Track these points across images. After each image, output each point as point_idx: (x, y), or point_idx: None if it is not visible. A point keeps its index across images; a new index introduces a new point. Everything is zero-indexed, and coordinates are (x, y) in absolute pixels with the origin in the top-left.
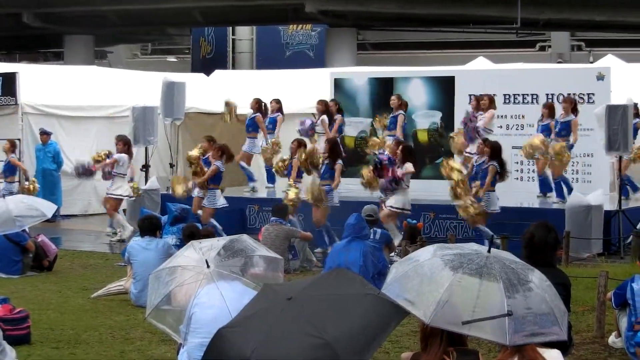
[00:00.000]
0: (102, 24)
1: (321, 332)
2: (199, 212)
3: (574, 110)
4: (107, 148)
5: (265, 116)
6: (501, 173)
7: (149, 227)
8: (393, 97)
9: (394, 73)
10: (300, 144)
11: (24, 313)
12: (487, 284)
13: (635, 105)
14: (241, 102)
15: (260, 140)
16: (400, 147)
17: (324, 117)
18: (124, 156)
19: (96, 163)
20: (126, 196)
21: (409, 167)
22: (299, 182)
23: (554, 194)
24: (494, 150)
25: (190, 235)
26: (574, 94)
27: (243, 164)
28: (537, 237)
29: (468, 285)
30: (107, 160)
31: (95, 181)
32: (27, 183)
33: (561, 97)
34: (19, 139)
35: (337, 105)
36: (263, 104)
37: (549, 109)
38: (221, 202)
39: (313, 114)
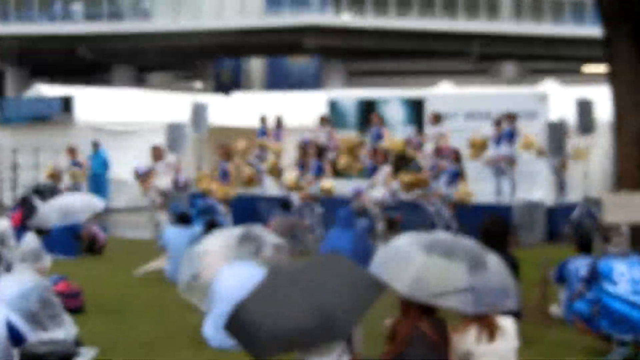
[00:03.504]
0: (143, 56)
1: (319, 302)
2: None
3: (513, 123)
4: (145, 157)
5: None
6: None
7: (182, 219)
8: (375, 116)
9: (376, 96)
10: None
11: (79, 288)
12: (454, 264)
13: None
14: (255, 118)
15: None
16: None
17: (328, 129)
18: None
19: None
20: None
21: (386, 168)
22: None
23: (506, 193)
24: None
25: (212, 226)
26: (519, 113)
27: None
28: (492, 228)
29: (438, 265)
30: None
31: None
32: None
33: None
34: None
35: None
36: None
37: (498, 124)
38: None
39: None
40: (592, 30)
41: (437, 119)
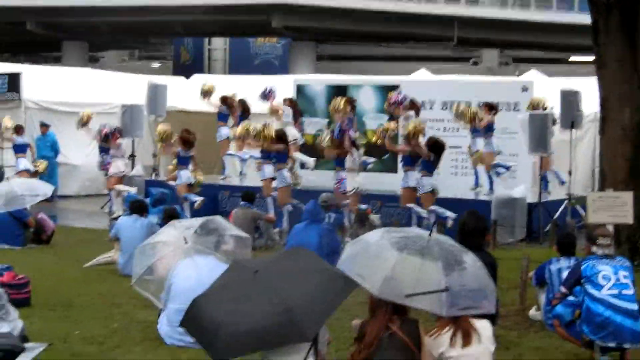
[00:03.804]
0: (96, 33)
1: (283, 300)
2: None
3: (492, 112)
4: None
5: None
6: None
7: (137, 208)
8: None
9: (348, 81)
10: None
11: (25, 279)
12: (428, 263)
13: None
14: (215, 102)
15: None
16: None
17: (290, 110)
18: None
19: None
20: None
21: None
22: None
23: (486, 186)
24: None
25: (170, 216)
26: (501, 103)
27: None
28: (468, 224)
29: (411, 263)
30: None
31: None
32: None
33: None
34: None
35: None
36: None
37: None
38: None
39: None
40: (581, 17)
41: (414, 106)
